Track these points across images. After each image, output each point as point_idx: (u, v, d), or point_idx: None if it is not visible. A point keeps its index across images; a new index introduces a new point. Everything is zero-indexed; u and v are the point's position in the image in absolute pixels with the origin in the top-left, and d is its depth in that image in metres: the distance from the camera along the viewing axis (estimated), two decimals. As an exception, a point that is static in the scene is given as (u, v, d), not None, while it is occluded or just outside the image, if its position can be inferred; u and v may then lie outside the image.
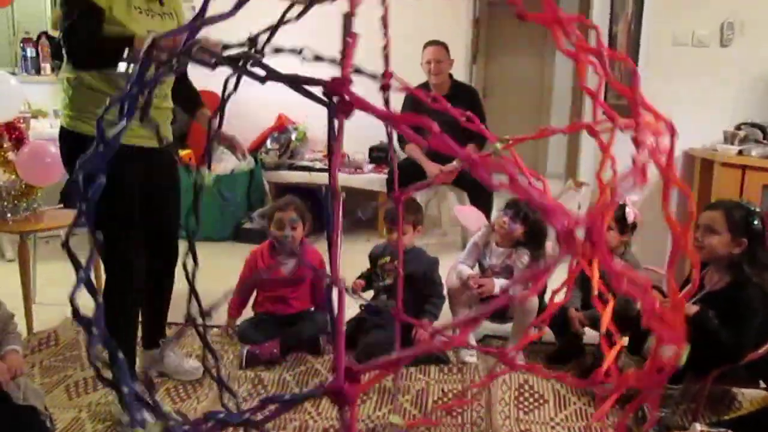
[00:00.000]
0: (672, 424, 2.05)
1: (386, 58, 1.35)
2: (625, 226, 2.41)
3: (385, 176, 4.26)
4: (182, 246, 2.26)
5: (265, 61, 0.80)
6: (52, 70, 4.60)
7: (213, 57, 0.77)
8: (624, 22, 3.79)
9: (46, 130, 3.80)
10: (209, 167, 1.76)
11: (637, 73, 0.84)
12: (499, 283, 2.49)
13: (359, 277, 2.64)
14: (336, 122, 0.67)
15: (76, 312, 0.76)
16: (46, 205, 2.92)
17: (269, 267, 2.61)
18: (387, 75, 1.23)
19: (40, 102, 4.27)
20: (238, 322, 2.66)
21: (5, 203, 2.74)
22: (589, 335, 2.46)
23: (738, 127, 2.99)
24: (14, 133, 2.80)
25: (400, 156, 4.25)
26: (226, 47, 0.97)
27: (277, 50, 0.90)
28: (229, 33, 1.10)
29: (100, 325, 0.80)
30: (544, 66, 7.75)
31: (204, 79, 1.66)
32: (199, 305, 1.17)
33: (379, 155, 4.51)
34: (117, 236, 1.98)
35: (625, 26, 3.75)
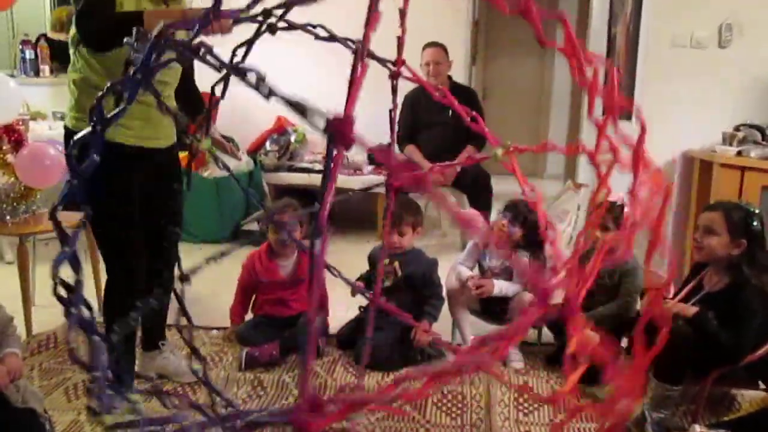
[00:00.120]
0: (671, 425, 2.05)
1: (400, 47, 1.35)
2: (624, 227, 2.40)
3: (385, 178, 4.26)
4: (182, 247, 2.28)
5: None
6: (51, 72, 4.61)
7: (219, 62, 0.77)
8: (623, 23, 3.79)
9: (44, 132, 3.79)
10: (207, 132, 1.76)
11: (643, 124, 0.86)
12: (498, 285, 2.49)
13: (358, 279, 2.64)
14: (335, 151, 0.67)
15: (56, 288, 0.77)
16: (45, 207, 2.92)
17: (268, 270, 2.61)
18: (399, 62, 1.23)
19: (39, 104, 4.27)
20: (238, 324, 2.66)
21: (4, 205, 2.74)
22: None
23: (737, 129, 2.99)
24: (13, 136, 2.80)
25: (399, 158, 4.25)
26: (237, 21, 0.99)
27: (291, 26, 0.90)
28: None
29: (79, 303, 0.80)
30: (544, 68, 7.76)
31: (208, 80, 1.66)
32: (185, 313, 1.18)
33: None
34: (118, 237, 1.98)
35: (623, 27, 3.76)
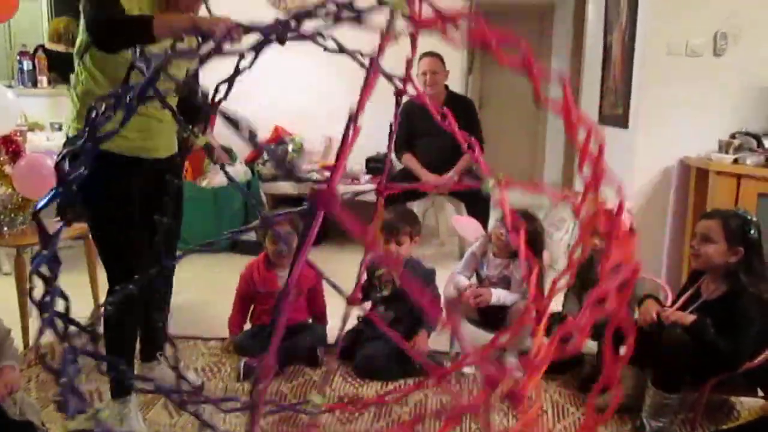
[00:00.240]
0: (670, 433, 2.06)
1: (408, 67, 1.36)
2: (621, 235, 2.41)
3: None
4: (183, 260, 2.27)
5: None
6: (49, 82, 4.61)
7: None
8: (618, 31, 3.81)
9: (42, 143, 3.80)
10: (204, 132, 1.76)
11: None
12: (496, 294, 2.49)
13: (355, 289, 2.63)
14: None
15: (31, 292, 0.78)
16: (43, 218, 2.91)
17: (266, 280, 2.61)
18: (406, 81, 1.24)
19: (37, 115, 4.27)
20: (236, 334, 2.66)
21: (2, 216, 2.74)
22: (587, 344, 2.45)
23: (732, 136, 3.00)
24: (11, 147, 2.80)
25: (397, 167, 4.26)
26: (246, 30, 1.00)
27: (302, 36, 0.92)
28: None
29: (54, 299, 0.81)
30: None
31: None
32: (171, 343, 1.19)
33: (375, 166, 4.51)
34: (119, 243, 1.98)
35: (619, 36, 3.78)
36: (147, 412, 2.18)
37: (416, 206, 3.79)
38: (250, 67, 1.21)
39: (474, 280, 2.67)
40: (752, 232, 2.03)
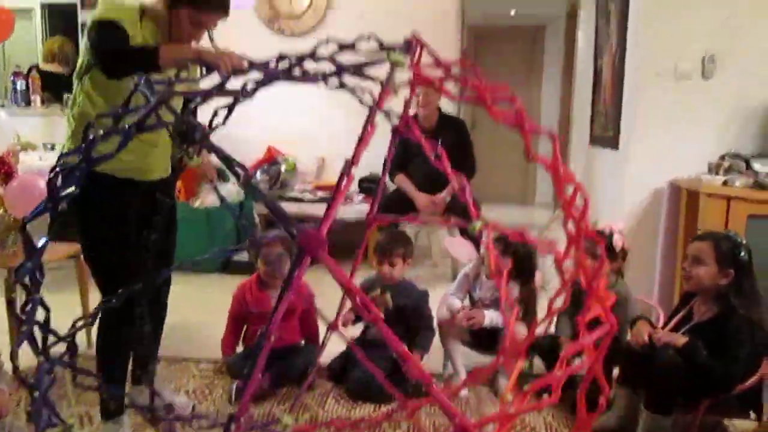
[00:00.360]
0: (664, 456, 2.05)
1: (406, 106, 1.39)
2: (613, 255, 2.42)
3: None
4: (172, 277, 2.27)
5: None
6: (42, 102, 4.62)
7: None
8: (608, 55, 3.86)
9: (35, 162, 3.79)
10: (199, 153, 1.78)
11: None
12: (489, 316, 2.49)
13: (349, 311, 2.63)
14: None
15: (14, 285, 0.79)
16: (34, 237, 2.90)
17: (258, 301, 2.60)
18: (404, 121, 1.28)
19: (30, 134, 4.27)
20: (228, 356, 2.64)
21: (-8, 237, 2.73)
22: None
23: (722, 158, 3.03)
24: (3, 168, 2.80)
25: (390, 187, 4.27)
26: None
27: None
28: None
29: (35, 309, 0.82)
30: (532, 97, 7.86)
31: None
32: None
33: (369, 186, 4.53)
34: (113, 268, 1.97)
35: (609, 59, 3.83)
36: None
37: (409, 227, 3.80)
38: (251, 95, 1.22)
39: (467, 301, 2.67)
40: (743, 254, 2.05)
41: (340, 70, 0.91)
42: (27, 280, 1.02)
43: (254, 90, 1.06)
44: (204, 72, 1.70)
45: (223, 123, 1.40)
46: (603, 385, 1.37)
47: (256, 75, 1.17)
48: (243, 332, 2.70)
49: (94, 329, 2.08)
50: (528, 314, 2.53)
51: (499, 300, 2.56)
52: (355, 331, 2.66)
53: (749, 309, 2.01)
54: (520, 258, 2.50)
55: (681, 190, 3.14)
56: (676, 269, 3.12)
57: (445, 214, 3.93)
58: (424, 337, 2.53)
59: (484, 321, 2.49)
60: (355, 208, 4.35)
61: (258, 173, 4.59)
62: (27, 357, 2.64)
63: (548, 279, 3.56)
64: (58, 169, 1.12)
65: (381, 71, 1.18)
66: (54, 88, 4.65)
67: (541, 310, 2.09)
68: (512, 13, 7.69)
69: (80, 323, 1.41)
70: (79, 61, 1.97)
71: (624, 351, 2.20)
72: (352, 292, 0.72)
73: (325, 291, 2.58)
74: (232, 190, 4.28)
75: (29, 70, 4.70)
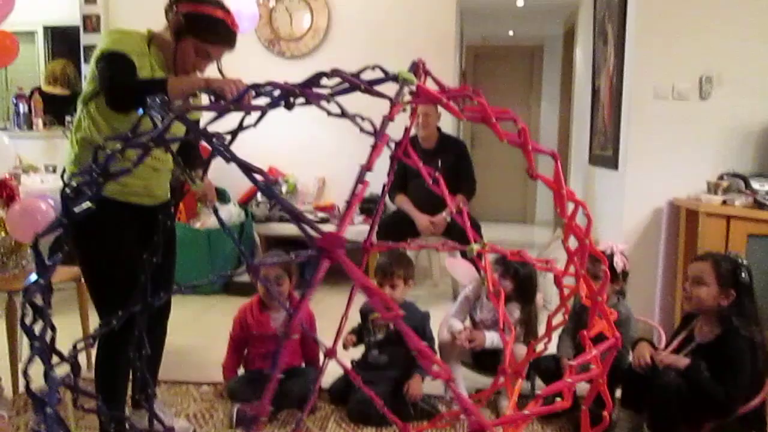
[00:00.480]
0: (668, 479, 2.03)
1: (406, 133, 1.41)
2: (615, 276, 2.42)
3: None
4: (173, 299, 2.27)
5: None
6: (44, 125, 4.65)
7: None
8: (606, 75, 3.89)
9: (36, 185, 3.81)
10: (202, 178, 1.80)
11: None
12: (490, 337, 2.49)
13: (350, 333, 2.63)
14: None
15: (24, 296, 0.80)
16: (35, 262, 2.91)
17: (259, 323, 2.60)
18: (402, 147, 1.30)
19: (32, 157, 4.29)
20: (228, 378, 2.63)
21: (-6, 260, 2.73)
22: (583, 387, 2.44)
23: (721, 177, 3.05)
24: (5, 191, 2.81)
25: (390, 208, 4.28)
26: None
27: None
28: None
29: (46, 313, 0.82)
30: (530, 115, 7.91)
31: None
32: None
33: (369, 207, 4.54)
34: (112, 291, 1.97)
35: (607, 80, 3.86)
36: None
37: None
38: (255, 125, 1.24)
39: (468, 323, 2.67)
40: (743, 275, 2.05)
41: (352, 87, 0.93)
42: (37, 298, 1.03)
43: (262, 112, 1.08)
44: (212, 99, 1.72)
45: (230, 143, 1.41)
46: (607, 400, 1.37)
47: (262, 100, 1.18)
48: (244, 355, 2.69)
49: (94, 351, 2.07)
50: (529, 335, 2.53)
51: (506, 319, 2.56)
52: (356, 353, 2.65)
53: (751, 330, 2.01)
54: (520, 279, 2.50)
55: (680, 209, 3.15)
56: (676, 289, 3.12)
57: (445, 234, 3.94)
58: (425, 359, 2.52)
59: (485, 342, 2.48)
60: (355, 229, 4.36)
61: (258, 194, 4.60)
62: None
63: (549, 299, 3.56)
64: (72, 184, 1.13)
65: (387, 88, 1.19)
66: (56, 110, 4.69)
67: (543, 331, 2.09)
68: (510, 33, 7.77)
69: (81, 345, 1.41)
70: (86, 87, 1.99)
71: (626, 372, 2.20)
72: (372, 291, 0.73)
73: (324, 312, 2.58)
74: (233, 211, 4.30)
75: (31, 93, 4.73)
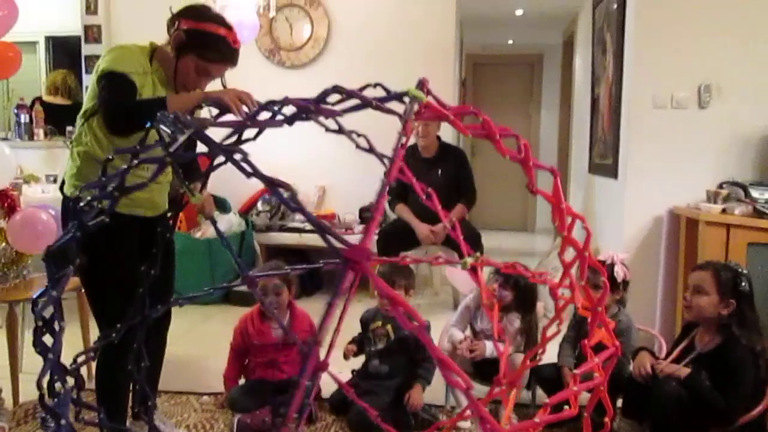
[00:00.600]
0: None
1: (400, 150, 1.42)
2: (615, 285, 2.42)
3: (376, 237, 4.28)
4: (173, 308, 2.27)
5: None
6: (45, 135, 4.66)
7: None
8: (605, 85, 3.91)
9: (37, 195, 3.81)
10: (202, 189, 1.80)
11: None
12: (490, 347, 2.49)
13: (351, 342, 2.63)
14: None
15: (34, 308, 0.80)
16: (36, 272, 2.91)
17: (260, 332, 2.59)
18: (395, 168, 1.31)
19: (33, 167, 4.30)
20: (229, 389, 2.62)
21: (-5, 271, 2.73)
22: (584, 397, 2.43)
23: (720, 186, 3.05)
24: (6, 201, 2.82)
25: (390, 217, 4.29)
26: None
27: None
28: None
29: (60, 326, 0.83)
30: (530, 123, 7.93)
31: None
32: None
33: (369, 216, 4.54)
34: (113, 304, 1.98)
35: (606, 89, 3.87)
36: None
37: (410, 257, 3.80)
38: (254, 138, 1.25)
39: (468, 332, 2.67)
40: (744, 284, 2.05)
41: (363, 104, 0.94)
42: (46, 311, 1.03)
43: (261, 128, 1.09)
44: (214, 113, 1.72)
45: (224, 163, 1.42)
46: (608, 407, 1.38)
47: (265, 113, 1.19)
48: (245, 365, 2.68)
49: (94, 363, 2.07)
50: (530, 344, 2.52)
51: (501, 331, 2.55)
52: (357, 362, 2.65)
53: (751, 339, 2.01)
54: (520, 289, 2.50)
55: (680, 218, 3.16)
56: (677, 298, 3.12)
57: (446, 243, 3.94)
58: (425, 369, 2.52)
59: (485, 352, 2.48)
60: (355, 238, 4.36)
61: (259, 203, 4.61)
62: (26, 392, 2.62)
63: (550, 308, 3.56)
64: (84, 197, 1.13)
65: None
66: (57, 120, 4.70)
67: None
68: (510, 42, 7.80)
69: (82, 357, 1.41)
70: (87, 102, 1.98)
71: (627, 382, 2.19)
72: (398, 301, 0.74)
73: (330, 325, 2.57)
74: (233, 220, 4.30)
75: (32, 103, 4.75)
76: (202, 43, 1.96)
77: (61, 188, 2.09)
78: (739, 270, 2.10)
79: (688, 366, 2.07)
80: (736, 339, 2.01)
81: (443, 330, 2.65)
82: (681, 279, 3.05)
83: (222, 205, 4.47)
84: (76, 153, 2.00)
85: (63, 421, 0.79)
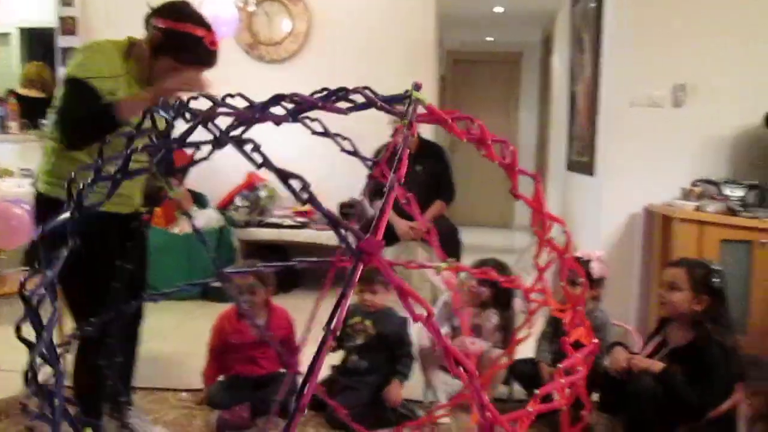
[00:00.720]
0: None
1: (387, 150, 1.43)
2: (591, 282, 2.45)
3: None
4: (150, 305, 2.25)
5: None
6: (21, 128, 4.58)
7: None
8: (583, 83, 3.94)
9: (12, 189, 3.75)
10: (181, 182, 1.78)
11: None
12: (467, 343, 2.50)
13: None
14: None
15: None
16: (10, 268, 2.87)
17: (237, 331, 2.58)
18: (381, 168, 1.33)
19: (6, 161, 4.23)
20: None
21: (-33, 267, 2.69)
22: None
23: (694, 184, 3.10)
24: (-21, 196, 2.77)
25: (370, 212, 4.28)
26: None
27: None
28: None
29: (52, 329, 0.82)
30: (510, 121, 7.97)
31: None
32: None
33: (349, 211, 4.54)
34: (88, 299, 1.96)
35: (584, 88, 3.91)
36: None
37: (389, 252, 3.81)
38: (240, 136, 1.23)
39: (447, 329, 2.68)
40: (716, 281, 2.09)
41: (369, 103, 0.95)
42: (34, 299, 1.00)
43: (245, 126, 1.08)
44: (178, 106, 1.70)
45: (207, 158, 1.41)
46: (585, 401, 1.40)
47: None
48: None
49: (70, 359, 2.05)
50: (508, 340, 2.54)
51: (479, 327, 2.58)
52: (337, 358, 2.65)
53: (724, 335, 2.05)
54: (497, 286, 2.52)
55: (656, 215, 3.20)
56: (651, 294, 3.17)
57: (425, 239, 3.94)
58: (404, 364, 2.53)
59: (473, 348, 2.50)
60: (331, 233, 4.35)
61: (237, 199, 4.59)
62: (0, 389, 2.59)
63: (527, 305, 3.59)
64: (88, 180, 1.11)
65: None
66: (32, 113, 4.62)
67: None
68: (489, 39, 7.84)
69: (59, 350, 1.39)
70: (59, 100, 1.95)
71: (603, 377, 2.22)
72: (407, 292, 0.75)
73: (305, 318, 2.57)
74: (211, 216, 4.27)
75: (6, 96, 4.66)
76: (180, 44, 1.92)
77: (35, 185, 2.06)
78: (712, 267, 2.14)
79: (663, 361, 2.10)
80: (708, 335, 2.05)
81: (421, 327, 2.65)
82: (656, 275, 3.10)
83: (200, 200, 4.44)
84: (50, 148, 1.97)
85: (56, 401, 0.78)
